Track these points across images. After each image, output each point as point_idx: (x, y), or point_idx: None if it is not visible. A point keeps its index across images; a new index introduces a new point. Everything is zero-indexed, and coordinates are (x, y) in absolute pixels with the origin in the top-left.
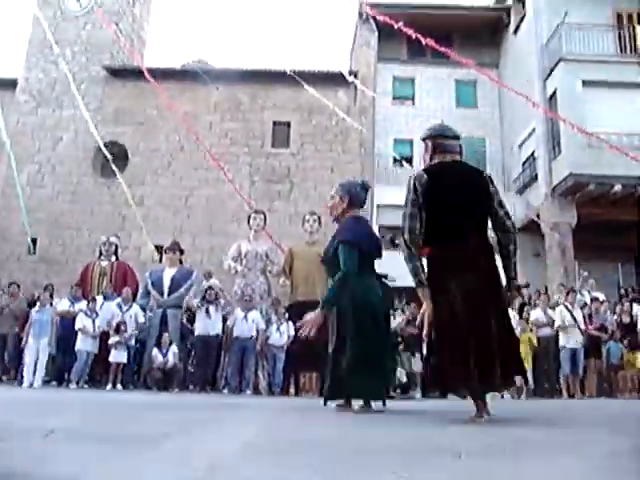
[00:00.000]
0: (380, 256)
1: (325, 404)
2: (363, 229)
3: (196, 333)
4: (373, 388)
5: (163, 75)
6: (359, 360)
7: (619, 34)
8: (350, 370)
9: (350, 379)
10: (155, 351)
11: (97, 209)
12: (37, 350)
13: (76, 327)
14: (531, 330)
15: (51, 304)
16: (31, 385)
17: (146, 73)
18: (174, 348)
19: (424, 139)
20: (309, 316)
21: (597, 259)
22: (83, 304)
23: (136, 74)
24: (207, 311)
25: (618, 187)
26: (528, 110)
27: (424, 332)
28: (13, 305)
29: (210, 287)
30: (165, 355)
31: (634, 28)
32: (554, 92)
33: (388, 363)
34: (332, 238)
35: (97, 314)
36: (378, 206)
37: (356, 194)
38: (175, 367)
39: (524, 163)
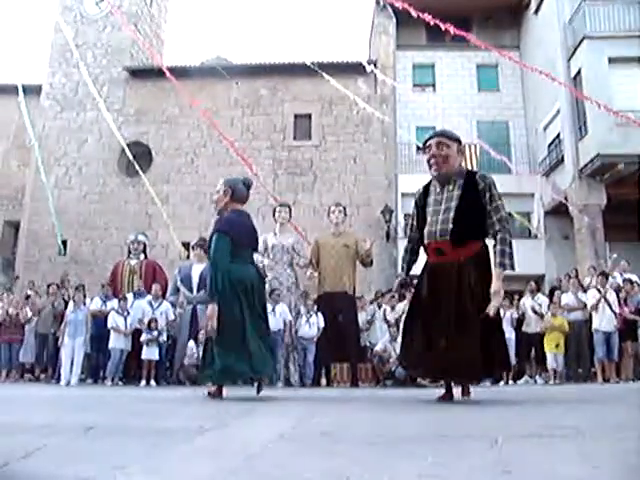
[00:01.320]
0: (256, 249)
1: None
2: (242, 222)
3: None
4: (235, 372)
5: (182, 73)
6: (225, 345)
7: None
8: (215, 355)
9: (214, 364)
10: (192, 343)
11: (124, 208)
12: (73, 349)
13: (108, 325)
14: (561, 314)
15: (84, 304)
16: (68, 383)
17: (166, 71)
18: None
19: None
20: (208, 312)
21: (629, 240)
22: (114, 302)
23: (156, 73)
24: None
25: None
26: (552, 91)
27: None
28: (52, 305)
29: None
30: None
31: None
32: (578, 71)
33: (255, 348)
34: (213, 228)
35: (128, 312)
36: (403, 195)
37: (239, 190)
38: None
39: (550, 145)
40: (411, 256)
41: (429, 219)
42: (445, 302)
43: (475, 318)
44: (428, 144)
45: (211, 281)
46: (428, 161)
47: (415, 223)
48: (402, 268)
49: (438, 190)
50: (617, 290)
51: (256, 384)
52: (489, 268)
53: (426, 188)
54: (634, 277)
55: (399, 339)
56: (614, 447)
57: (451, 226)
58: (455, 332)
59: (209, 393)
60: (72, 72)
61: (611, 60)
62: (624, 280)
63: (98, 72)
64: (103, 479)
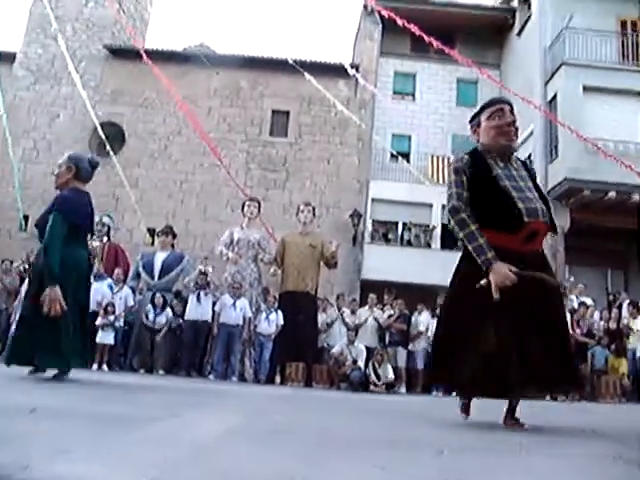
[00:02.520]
0: (92, 231)
1: (8, 365)
2: (82, 202)
3: (186, 317)
4: (45, 357)
5: (163, 57)
6: (30, 326)
7: (622, 41)
8: (22, 336)
9: (23, 346)
10: (149, 307)
11: (91, 189)
12: None
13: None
14: None
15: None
16: None
17: (143, 54)
18: (169, 311)
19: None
20: (51, 295)
21: (588, 264)
22: None
23: (136, 55)
24: (198, 296)
25: (612, 194)
26: (528, 112)
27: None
28: (6, 281)
29: (203, 272)
30: (159, 314)
31: (637, 36)
32: (554, 96)
33: (65, 334)
34: (51, 204)
35: None
36: (373, 200)
37: (84, 168)
38: (166, 334)
39: None
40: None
41: (514, 194)
42: (529, 301)
43: (559, 323)
44: (498, 108)
45: (49, 265)
46: (498, 127)
47: (466, 194)
48: (486, 251)
49: (501, 164)
50: (572, 312)
51: (56, 371)
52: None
53: (475, 158)
54: (589, 301)
55: (357, 343)
56: (555, 463)
57: (544, 207)
58: (545, 340)
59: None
60: (49, 44)
61: (586, 88)
62: (579, 303)
63: (77, 47)
64: (43, 464)
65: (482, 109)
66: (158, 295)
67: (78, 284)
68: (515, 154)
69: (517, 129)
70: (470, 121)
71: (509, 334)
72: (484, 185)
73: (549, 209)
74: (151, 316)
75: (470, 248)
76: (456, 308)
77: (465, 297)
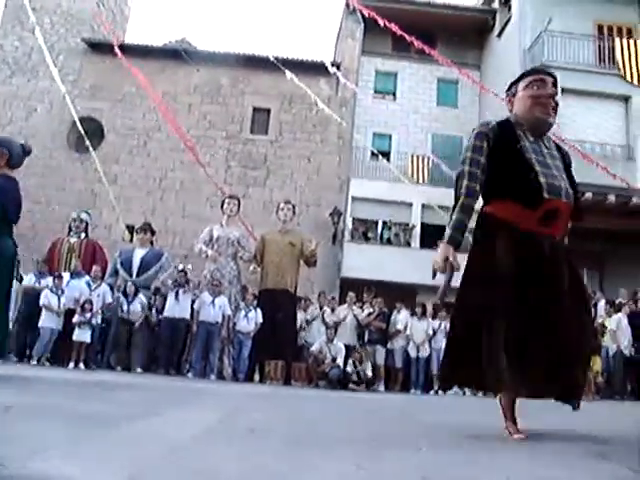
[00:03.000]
0: (16, 220)
1: None
2: (12, 189)
3: (164, 315)
4: None
5: (143, 53)
6: None
7: (599, 45)
8: None
9: None
10: (122, 298)
11: (69, 185)
12: None
13: (41, 303)
14: None
15: (16, 278)
16: None
17: (117, 50)
18: (142, 297)
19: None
20: None
21: None
22: (49, 280)
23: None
24: (177, 294)
25: (589, 195)
26: (507, 113)
27: None
28: None
29: (182, 270)
30: (131, 303)
31: (613, 40)
32: None
33: None
34: None
35: (63, 291)
36: (353, 198)
37: (17, 155)
38: (141, 324)
39: None
40: (469, 217)
41: (538, 169)
42: (548, 291)
43: (583, 317)
44: (540, 77)
45: None
46: (536, 97)
47: (485, 162)
48: (458, 227)
49: (531, 139)
50: None
51: None
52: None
53: (503, 127)
54: None
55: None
56: (537, 459)
57: (570, 189)
58: (568, 335)
59: None
60: (26, 36)
61: (564, 90)
62: None
63: (54, 40)
64: (18, 463)
65: (521, 77)
66: (129, 284)
67: (1, 273)
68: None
69: (557, 105)
70: (507, 90)
71: (529, 331)
72: (507, 155)
73: (577, 195)
74: (125, 307)
75: (452, 217)
76: (472, 301)
77: (482, 287)
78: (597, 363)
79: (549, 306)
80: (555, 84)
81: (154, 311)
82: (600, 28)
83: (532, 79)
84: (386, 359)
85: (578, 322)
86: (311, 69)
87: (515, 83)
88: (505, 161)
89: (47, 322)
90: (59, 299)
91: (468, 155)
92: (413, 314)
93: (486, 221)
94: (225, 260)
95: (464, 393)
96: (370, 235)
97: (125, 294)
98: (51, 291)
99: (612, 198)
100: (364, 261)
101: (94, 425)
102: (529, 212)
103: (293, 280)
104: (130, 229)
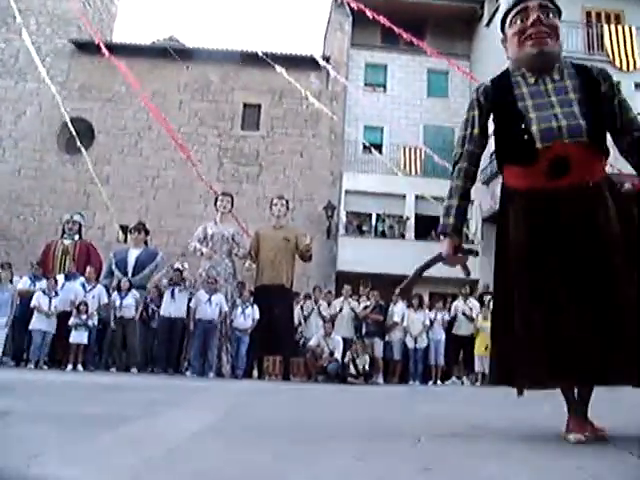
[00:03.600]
0: None
1: None
2: None
3: (161, 314)
4: None
5: (132, 52)
6: None
7: (587, 32)
8: None
9: None
10: (114, 295)
11: (61, 187)
12: None
13: (32, 305)
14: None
15: (11, 282)
16: None
17: (105, 50)
18: (135, 292)
19: None
20: None
21: None
22: (44, 283)
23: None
24: (172, 293)
25: None
26: None
27: None
28: None
29: (177, 269)
30: (124, 297)
31: (602, 26)
32: None
33: None
34: None
35: (56, 293)
36: (346, 192)
37: None
38: (137, 323)
39: (491, 155)
40: (466, 199)
41: (532, 115)
42: (579, 260)
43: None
44: (522, 7)
45: None
46: (521, 32)
47: (477, 132)
48: (450, 213)
49: (531, 80)
50: None
51: None
52: (629, 204)
53: (500, 81)
54: None
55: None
56: (531, 448)
57: (583, 123)
58: (609, 307)
59: None
60: (13, 38)
61: None
62: None
63: (41, 41)
64: (14, 469)
65: (505, 16)
66: (124, 280)
67: None
68: (560, 64)
69: (553, 27)
70: (502, 40)
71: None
72: (503, 111)
73: (603, 127)
74: (118, 302)
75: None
76: (496, 288)
77: (499, 271)
78: None
79: (584, 270)
80: (542, 6)
81: (150, 310)
82: (588, 14)
83: (514, 13)
84: (384, 351)
85: (633, 283)
86: (301, 63)
87: (503, 25)
88: (502, 119)
89: (37, 324)
90: (50, 301)
91: (459, 134)
92: (410, 306)
93: (501, 194)
94: (220, 257)
95: (462, 383)
96: (364, 228)
97: (119, 289)
98: (43, 293)
99: None
100: (359, 254)
101: (93, 427)
102: (530, 170)
103: (289, 275)
104: (124, 229)
